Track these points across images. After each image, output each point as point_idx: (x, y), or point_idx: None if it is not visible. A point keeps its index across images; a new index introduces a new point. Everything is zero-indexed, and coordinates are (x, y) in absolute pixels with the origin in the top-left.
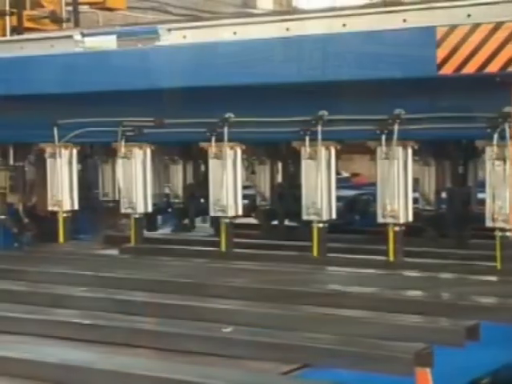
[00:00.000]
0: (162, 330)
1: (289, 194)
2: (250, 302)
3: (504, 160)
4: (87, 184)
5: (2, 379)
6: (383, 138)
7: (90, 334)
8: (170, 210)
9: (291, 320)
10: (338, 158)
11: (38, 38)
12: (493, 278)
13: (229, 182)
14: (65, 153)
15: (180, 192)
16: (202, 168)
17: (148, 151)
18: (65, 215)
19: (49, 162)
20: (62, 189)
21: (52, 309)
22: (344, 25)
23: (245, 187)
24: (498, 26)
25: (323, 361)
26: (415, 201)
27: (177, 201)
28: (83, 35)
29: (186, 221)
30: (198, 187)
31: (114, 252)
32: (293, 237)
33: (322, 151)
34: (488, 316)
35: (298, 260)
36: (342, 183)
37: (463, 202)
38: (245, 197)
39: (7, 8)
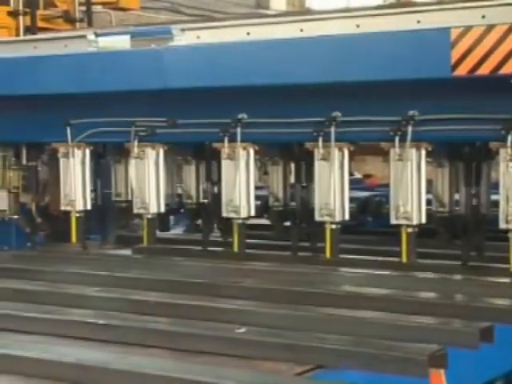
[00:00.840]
0: (175, 330)
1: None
2: (261, 303)
3: None
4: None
5: (17, 379)
6: (397, 139)
7: (104, 333)
8: (182, 210)
9: (304, 321)
10: (350, 159)
11: (52, 38)
12: (506, 280)
13: (241, 183)
14: (78, 153)
15: (193, 192)
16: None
17: (161, 151)
18: (77, 215)
19: (62, 161)
20: (75, 188)
21: (66, 308)
22: (358, 26)
23: (257, 188)
24: None
25: (336, 362)
26: (428, 202)
27: (189, 201)
28: (97, 35)
29: (199, 221)
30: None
31: (126, 252)
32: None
33: (336, 152)
34: (502, 318)
35: (310, 261)
36: (354, 184)
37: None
38: (257, 197)
39: (21, 8)
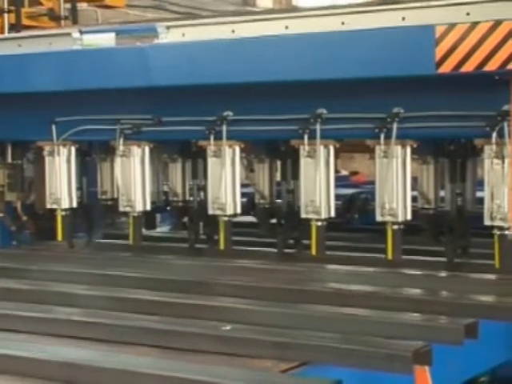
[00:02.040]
0: (163, 329)
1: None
2: (249, 301)
3: (503, 158)
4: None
5: (4, 378)
6: (382, 136)
7: (92, 332)
8: (168, 208)
9: (290, 318)
10: (337, 156)
11: (36, 36)
12: (492, 276)
13: (227, 181)
14: (63, 151)
15: (179, 190)
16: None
17: (146, 149)
18: (63, 213)
19: (47, 160)
20: (61, 187)
21: (54, 307)
22: (343, 23)
23: (243, 185)
24: (496, 24)
25: (322, 359)
26: (414, 199)
27: (175, 199)
28: (81, 33)
29: (185, 219)
30: None
31: (113, 250)
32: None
33: (321, 149)
34: (487, 314)
35: (296, 258)
36: (341, 181)
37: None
38: (244, 195)
39: (5, 5)
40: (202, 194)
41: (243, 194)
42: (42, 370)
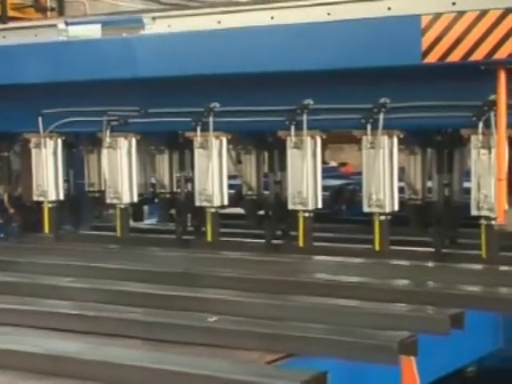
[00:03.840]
0: (151, 321)
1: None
2: (236, 292)
3: (489, 148)
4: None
5: None
6: (369, 127)
7: (78, 324)
8: (156, 200)
9: (277, 310)
10: (325, 147)
11: (21, 27)
12: (479, 267)
13: (214, 172)
14: (50, 143)
15: (166, 182)
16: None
17: (133, 141)
18: (50, 205)
19: (34, 152)
20: (48, 179)
21: (40, 299)
22: (329, 13)
23: (231, 177)
24: (482, 13)
25: (308, 350)
26: (401, 190)
27: (163, 191)
28: (67, 24)
29: (172, 211)
30: None
31: (100, 242)
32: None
33: (308, 140)
34: (474, 304)
35: (284, 250)
36: (329, 173)
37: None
38: (232, 187)
39: None
40: (189, 185)
41: (231, 186)
42: (24, 362)
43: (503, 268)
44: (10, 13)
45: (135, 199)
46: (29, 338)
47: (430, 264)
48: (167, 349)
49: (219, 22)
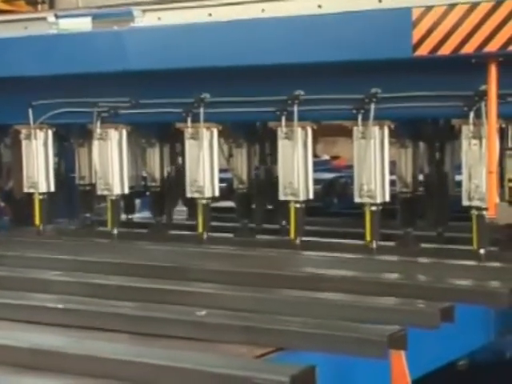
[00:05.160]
0: (135, 314)
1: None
2: (225, 286)
3: (480, 139)
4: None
5: None
6: (360, 117)
7: (64, 318)
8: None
9: (266, 303)
10: (317, 140)
11: (11, 20)
12: (469, 261)
13: (205, 163)
14: (40, 134)
15: (157, 175)
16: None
17: (124, 132)
18: (41, 197)
19: (24, 143)
20: (38, 170)
21: (27, 293)
22: (319, 6)
23: (222, 170)
24: (473, 6)
25: (297, 344)
26: (393, 183)
27: (154, 184)
28: (57, 17)
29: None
30: None
31: (91, 236)
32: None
33: (299, 131)
34: (465, 298)
35: (274, 244)
36: (321, 166)
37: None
38: (223, 180)
39: None
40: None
41: (222, 180)
42: (6, 357)
43: (494, 263)
44: (0, 6)
45: (126, 191)
46: (12, 332)
47: (421, 258)
48: (154, 343)
49: (210, 15)
